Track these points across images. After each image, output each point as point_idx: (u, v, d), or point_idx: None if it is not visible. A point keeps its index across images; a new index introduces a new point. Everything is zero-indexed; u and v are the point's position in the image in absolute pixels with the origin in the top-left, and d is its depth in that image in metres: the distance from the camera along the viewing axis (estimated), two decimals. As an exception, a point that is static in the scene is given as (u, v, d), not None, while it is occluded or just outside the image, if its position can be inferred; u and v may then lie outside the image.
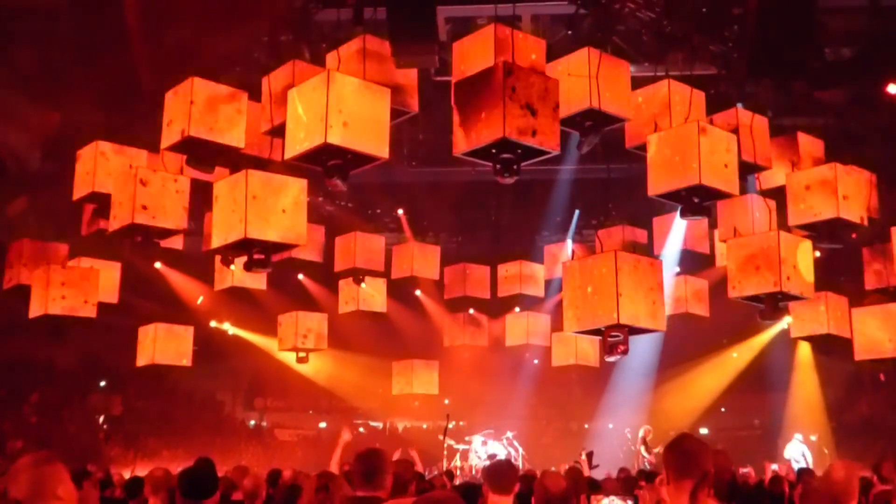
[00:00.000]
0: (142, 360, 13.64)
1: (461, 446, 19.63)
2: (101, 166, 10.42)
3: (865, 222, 9.94)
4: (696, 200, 8.43)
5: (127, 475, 12.46)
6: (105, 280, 12.43)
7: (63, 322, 11.69)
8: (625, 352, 7.94)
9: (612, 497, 4.68)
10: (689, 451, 3.78)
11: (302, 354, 15.27)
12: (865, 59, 9.94)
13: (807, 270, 9.45)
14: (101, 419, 23.10)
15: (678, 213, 8.77)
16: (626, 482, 9.58)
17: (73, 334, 12.28)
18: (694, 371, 24.41)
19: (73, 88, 10.47)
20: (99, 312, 11.82)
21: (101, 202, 10.57)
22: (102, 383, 23.95)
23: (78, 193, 10.81)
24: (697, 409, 24.69)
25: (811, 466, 15.82)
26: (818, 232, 9.87)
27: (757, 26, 8.28)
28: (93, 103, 10.66)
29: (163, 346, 13.50)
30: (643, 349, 21.23)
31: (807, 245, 9.60)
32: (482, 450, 19.47)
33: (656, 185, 8.53)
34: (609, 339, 7.94)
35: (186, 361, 13.72)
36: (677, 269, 14.61)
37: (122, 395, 23.54)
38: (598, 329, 7.97)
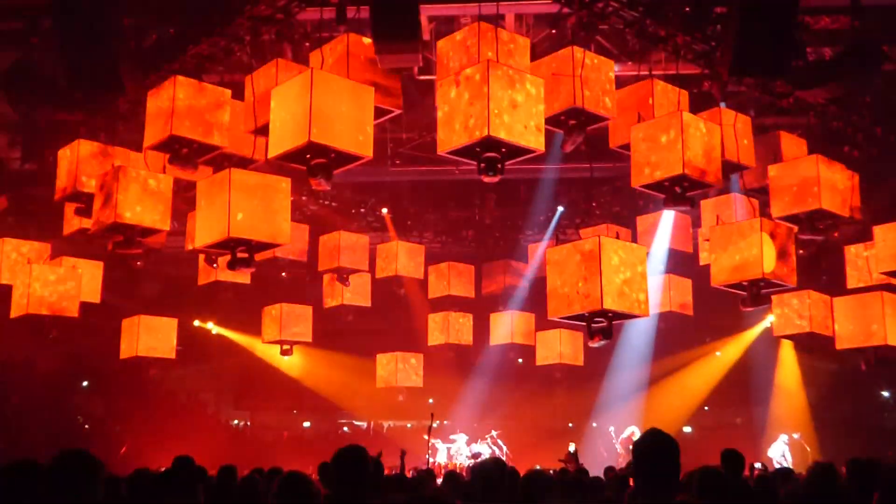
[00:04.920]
0: (125, 353, 13.60)
1: (446, 445, 19.63)
2: (82, 165, 10.37)
3: (848, 215, 10.00)
4: (678, 190, 8.46)
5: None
6: (87, 280, 12.36)
7: (45, 322, 11.62)
8: (608, 337, 7.95)
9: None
10: (657, 448, 3.80)
11: (286, 347, 15.31)
12: (847, 58, 9.98)
13: (788, 259, 9.53)
14: (83, 420, 22.95)
15: (662, 202, 8.80)
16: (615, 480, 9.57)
17: (55, 334, 12.21)
18: (679, 370, 24.46)
19: (54, 86, 10.39)
20: (81, 312, 11.75)
21: (83, 201, 10.52)
22: (85, 384, 23.77)
23: (59, 193, 10.75)
24: (683, 407, 24.75)
25: (790, 466, 15.91)
26: (801, 224, 9.92)
27: (739, 26, 8.31)
28: (74, 102, 10.59)
29: (147, 338, 13.47)
30: (628, 348, 21.30)
31: (789, 234, 9.68)
32: (466, 449, 19.49)
33: (639, 176, 8.56)
34: (593, 325, 7.95)
35: (171, 354, 13.69)
36: (662, 269, 14.66)
37: (104, 395, 23.38)
38: (581, 315, 7.97)
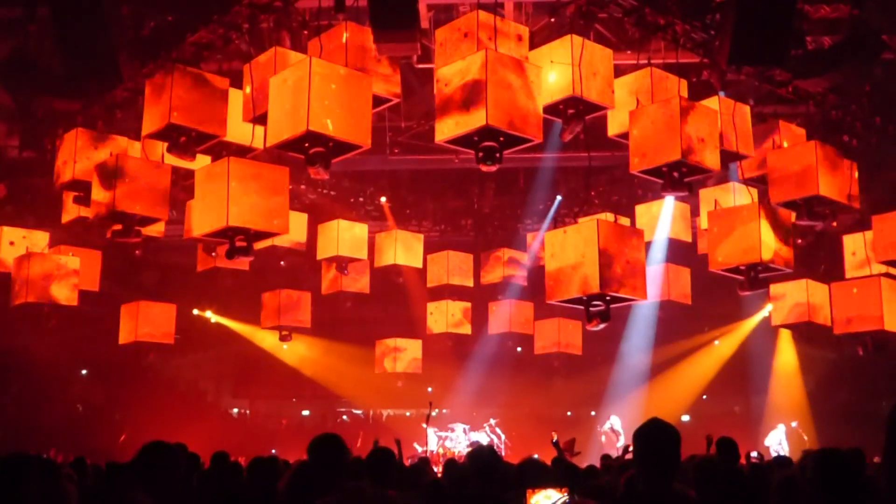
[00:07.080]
0: (124, 339, 13.62)
1: (443, 433, 19.67)
2: (81, 154, 10.36)
3: (846, 202, 9.99)
4: (676, 176, 8.46)
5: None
6: (86, 268, 12.37)
7: (44, 311, 11.63)
8: (606, 320, 7.96)
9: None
10: (656, 437, 3.80)
11: (285, 333, 15.37)
12: (846, 47, 9.97)
13: (787, 244, 9.53)
14: (83, 408, 22.99)
15: (660, 188, 8.79)
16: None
17: (54, 323, 12.23)
18: (678, 359, 24.50)
19: (52, 75, 10.39)
20: (80, 301, 11.76)
21: (82, 190, 10.51)
22: (84, 372, 23.81)
23: (58, 181, 10.74)
24: (682, 396, 24.80)
25: (787, 454, 15.98)
26: (799, 210, 9.91)
27: (738, 14, 8.30)
28: (73, 90, 10.59)
29: (146, 323, 13.50)
30: (627, 337, 21.35)
31: (788, 220, 9.68)
32: (464, 437, 19.54)
33: (638, 161, 8.55)
34: (591, 308, 7.97)
35: (169, 340, 13.72)
36: (661, 258, 14.65)
37: (104, 384, 23.41)
38: (580, 298, 7.98)
